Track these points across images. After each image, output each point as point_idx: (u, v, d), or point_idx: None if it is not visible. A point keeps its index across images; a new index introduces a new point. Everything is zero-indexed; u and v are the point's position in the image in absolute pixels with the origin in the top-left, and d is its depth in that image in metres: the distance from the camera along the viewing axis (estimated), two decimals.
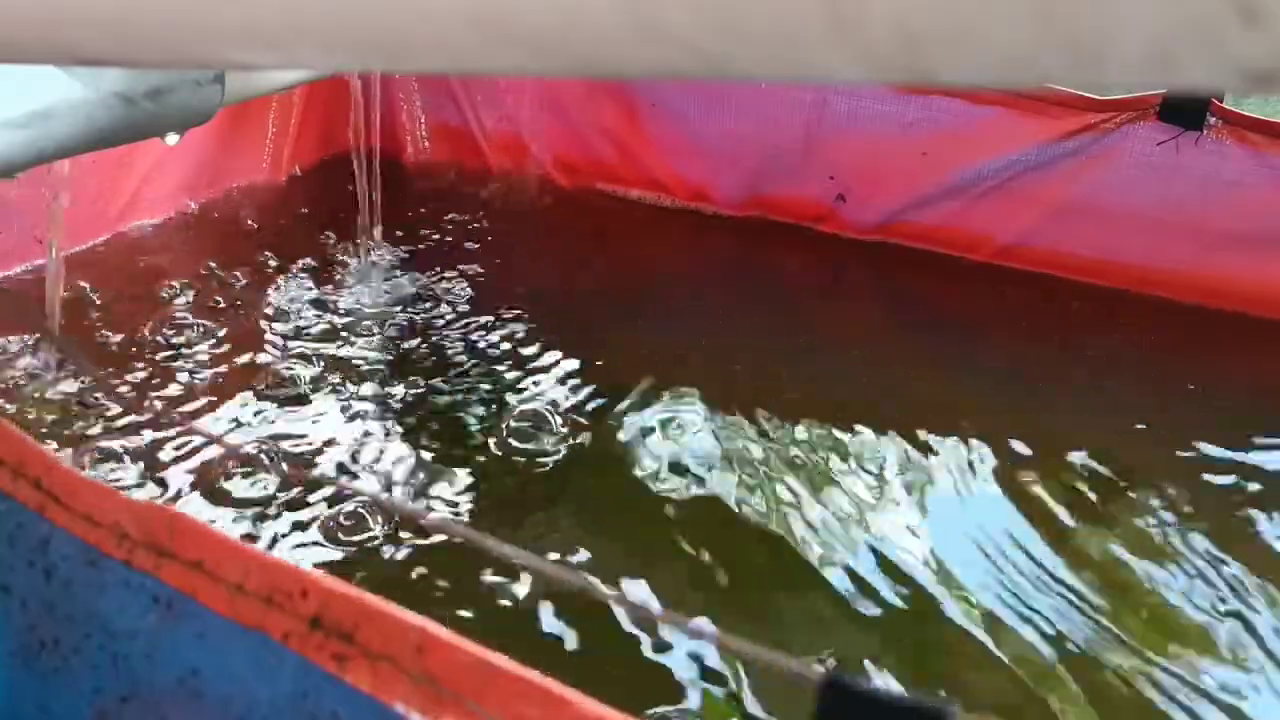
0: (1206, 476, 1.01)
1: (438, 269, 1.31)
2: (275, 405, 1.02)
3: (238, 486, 0.89)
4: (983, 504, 0.95)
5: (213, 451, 0.92)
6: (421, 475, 0.93)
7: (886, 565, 0.87)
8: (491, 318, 1.21)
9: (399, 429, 1.00)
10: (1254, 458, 1.04)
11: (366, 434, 0.99)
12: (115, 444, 0.93)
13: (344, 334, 1.15)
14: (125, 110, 0.66)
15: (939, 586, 0.85)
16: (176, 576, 0.38)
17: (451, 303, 1.24)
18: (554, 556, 0.84)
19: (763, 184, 1.47)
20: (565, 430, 1.00)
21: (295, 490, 0.89)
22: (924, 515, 0.93)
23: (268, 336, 1.13)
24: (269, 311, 1.18)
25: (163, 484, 0.89)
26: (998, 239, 1.38)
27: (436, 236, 1.40)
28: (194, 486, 0.89)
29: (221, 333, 1.13)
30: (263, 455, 0.93)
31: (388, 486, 0.92)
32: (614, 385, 1.09)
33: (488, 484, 0.93)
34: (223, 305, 1.19)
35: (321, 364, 1.09)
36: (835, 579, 0.85)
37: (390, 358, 1.12)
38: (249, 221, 1.40)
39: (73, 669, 0.41)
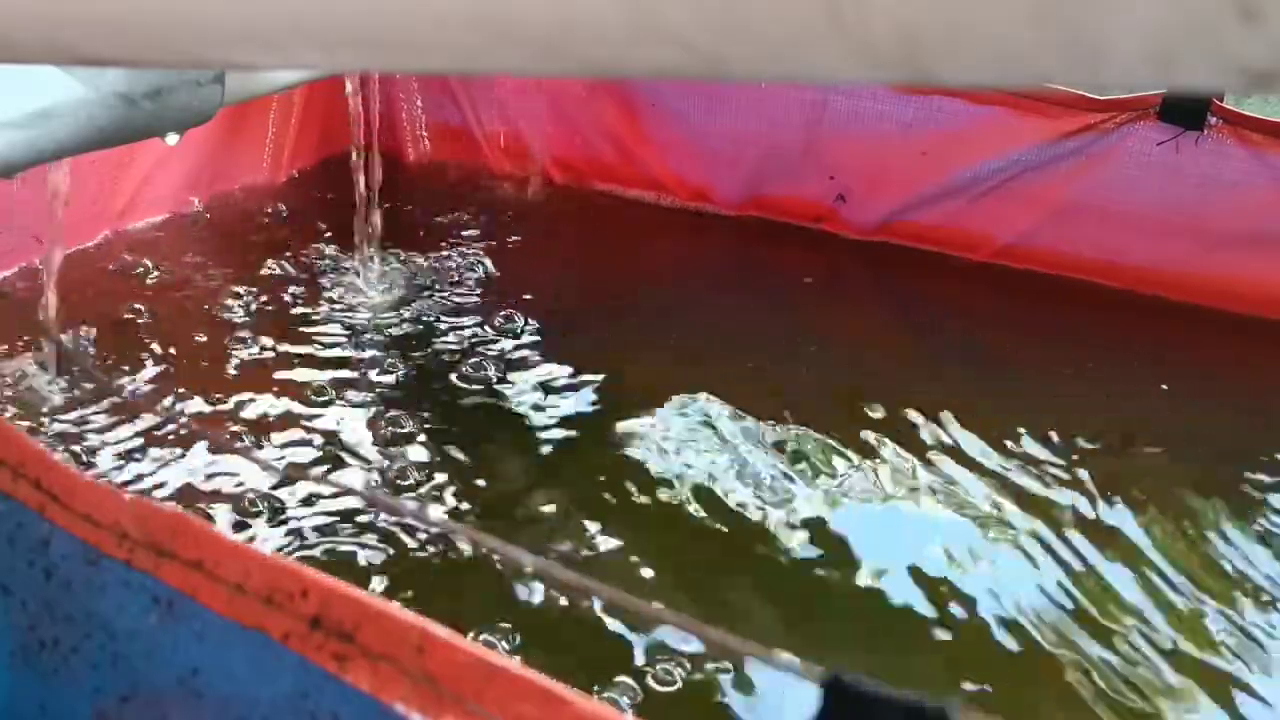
0: (1207, 476, 1.01)
1: (437, 268, 1.31)
2: (276, 406, 1.02)
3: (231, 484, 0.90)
4: (980, 501, 0.95)
5: (215, 451, 0.92)
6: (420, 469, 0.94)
7: (888, 561, 0.87)
8: (490, 317, 1.20)
9: (398, 429, 1.00)
10: (1254, 457, 1.04)
11: (370, 436, 0.99)
12: (118, 444, 0.93)
13: (343, 333, 1.15)
14: (125, 110, 0.66)
15: (939, 584, 0.85)
16: (176, 576, 0.38)
17: (451, 301, 1.23)
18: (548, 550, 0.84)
19: (763, 184, 1.47)
20: None
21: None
22: (923, 512, 0.93)
23: (267, 336, 1.13)
24: (269, 311, 1.18)
25: (163, 483, 0.90)
26: (998, 239, 1.38)
27: (436, 236, 1.40)
28: (190, 484, 0.89)
29: (222, 333, 1.13)
30: (271, 463, 0.93)
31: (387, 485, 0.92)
32: (613, 384, 1.09)
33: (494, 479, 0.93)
34: (222, 305, 1.19)
35: (322, 364, 1.09)
36: (834, 578, 0.85)
37: (390, 357, 1.12)
38: (249, 221, 1.40)
39: (73, 669, 0.41)
